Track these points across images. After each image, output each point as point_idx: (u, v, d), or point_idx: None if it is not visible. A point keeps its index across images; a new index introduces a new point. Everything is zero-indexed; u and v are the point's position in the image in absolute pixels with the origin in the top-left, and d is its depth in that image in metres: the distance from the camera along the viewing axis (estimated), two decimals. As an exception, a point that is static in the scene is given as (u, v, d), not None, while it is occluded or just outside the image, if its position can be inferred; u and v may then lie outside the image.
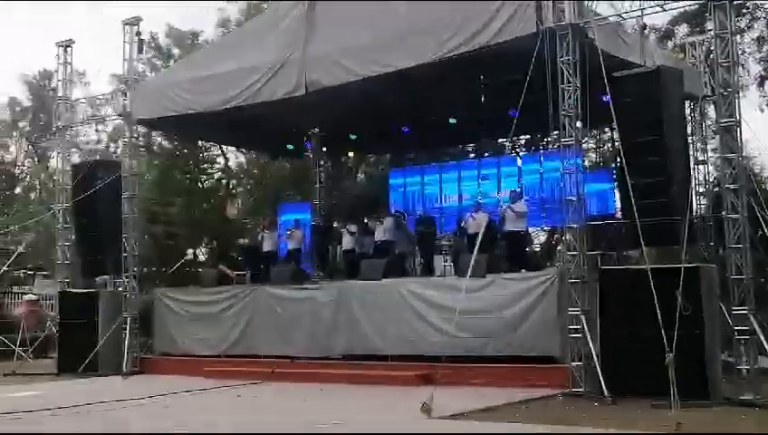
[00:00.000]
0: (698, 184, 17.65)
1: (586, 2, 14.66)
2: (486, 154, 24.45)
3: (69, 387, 17.84)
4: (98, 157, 32.74)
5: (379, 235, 19.81)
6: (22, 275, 34.93)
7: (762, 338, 13.07)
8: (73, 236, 21.39)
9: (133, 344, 19.96)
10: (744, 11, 23.62)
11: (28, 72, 45.15)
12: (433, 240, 19.80)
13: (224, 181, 32.17)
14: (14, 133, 46.16)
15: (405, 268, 19.71)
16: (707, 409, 12.15)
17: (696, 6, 17.52)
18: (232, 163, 33.03)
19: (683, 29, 25.15)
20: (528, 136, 24.80)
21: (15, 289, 32.13)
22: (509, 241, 17.66)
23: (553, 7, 14.56)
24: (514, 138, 23.26)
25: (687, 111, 17.04)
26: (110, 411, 13.39)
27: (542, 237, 26.49)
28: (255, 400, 14.79)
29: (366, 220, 20.70)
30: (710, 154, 18.37)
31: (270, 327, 18.71)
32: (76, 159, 27.26)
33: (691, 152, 16.92)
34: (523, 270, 16.67)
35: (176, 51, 31.14)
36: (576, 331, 14.14)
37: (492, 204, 20.12)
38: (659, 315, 12.15)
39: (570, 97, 14.44)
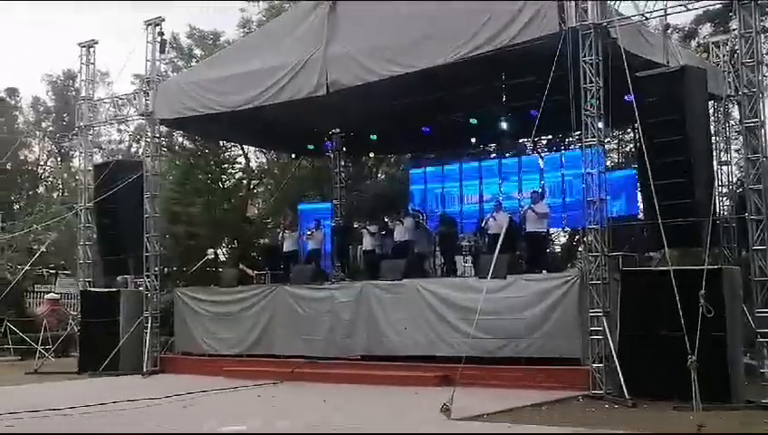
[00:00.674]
0: (721, 185, 17.49)
1: (609, 1, 14.56)
2: (508, 154, 24.33)
3: (88, 385, 17.92)
4: (120, 157, 33.03)
5: (399, 235, 19.80)
6: (44, 274, 35.18)
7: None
8: (95, 236, 21.48)
9: (154, 344, 20.05)
10: (769, 10, 23.37)
11: (52, 73, 45.57)
12: (455, 240, 19.77)
13: (244, 181, 32.20)
14: (38, 133, 46.52)
15: (425, 268, 19.68)
16: (729, 412, 12.03)
17: (720, 6, 17.35)
18: (253, 163, 33.11)
19: (706, 28, 24.95)
20: (550, 136, 24.66)
21: (38, 288, 32.36)
22: (530, 242, 17.60)
23: (576, 7, 14.49)
24: (536, 138, 23.14)
25: (711, 111, 16.88)
26: (127, 411, 13.43)
27: (563, 238, 26.34)
28: (274, 400, 14.78)
29: (386, 220, 20.67)
30: (734, 155, 18.21)
31: (290, 327, 18.73)
32: (98, 158, 27.50)
33: (714, 153, 16.78)
34: (544, 271, 16.60)
35: (197, 51, 31.21)
36: (597, 332, 14.08)
37: (513, 204, 20.05)
38: (681, 317, 12.05)
39: (592, 97, 14.36)
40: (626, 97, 13.91)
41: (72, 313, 25.25)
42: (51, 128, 46.01)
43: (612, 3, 14.58)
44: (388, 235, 20.22)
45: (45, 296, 29.79)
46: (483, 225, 18.69)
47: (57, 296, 29.06)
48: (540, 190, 19.19)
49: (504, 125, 21.43)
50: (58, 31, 63.28)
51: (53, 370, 20.30)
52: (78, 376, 19.70)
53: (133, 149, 37.21)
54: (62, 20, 62.54)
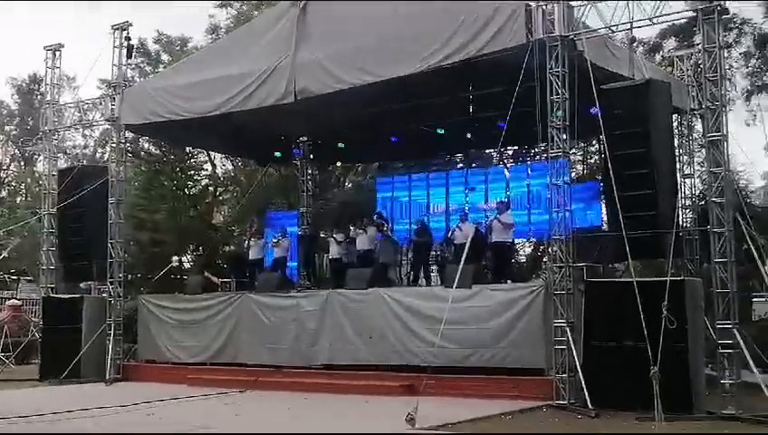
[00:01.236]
0: (684, 197, 17.69)
1: (576, 14, 14.68)
2: (474, 165, 24.44)
3: (51, 393, 17.70)
4: (85, 162, 32.71)
5: (362, 244, 19.79)
6: (6, 279, 34.75)
7: (745, 352, 13.06)
8: (58, 241, 21.24)
9: (117, 351, 19.81)
10: (732, 26, 23.68)
11: (17, 76, 45.11)
12: (429, 250, 19.76)
13: (211, 188, 32.06)
14: (1, 137, 46.00)
15: (390, 277, 19.67)
16: (691, 422, 12.14)
17: (685, 20, 17.57)
18: (219, 170, 32.97)
19: (671, 42, 25.23)
20: (516, 147, 24.81)
21: (-1, 294, 31.96)
22: (495, 252, 17.65)
23: (543, 19, 14.60)
24: (502, 149, 23.25)
25: (675, 125, 17.08)
26: (94, 418, 13.28)
27: (528, 249, 26.49)
28: (238, 408, 14.68)
29: (350, 229, 20.64)
30: (697, 168, 18.42)
31: (255, 335, 18.63)
32: (63, 163, 27.14)
33: (678, 165, 16.97)
34: (509, 281, 16.68)
35: (165, 57, 31.06)
36: (561, 343, 14.14)
37: (479, 215, 20.11)
38: (644, 328, 12.16)
39: (558, 108, 14.47)
40: (591, 109, 14.03)
41: (33, 319, 24.99)
42: (14, 132, 45.50)
43: (579, 15, 14.70)
44: (353, 243, 20.20)
45: (6, 302, 29.39)
46: (449, 235, 18.72)
47: (19, 302, 28.69)
48: (505, 201, 19.25)
49: (470, 136, 21.49)
50: (24, 33, 62.67)
51: (14, 377, 20.03)
52: (39, 383, 19.45)
53: (98, 155, 36.89)
54: (29, 23, 61.99)
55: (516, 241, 21.21)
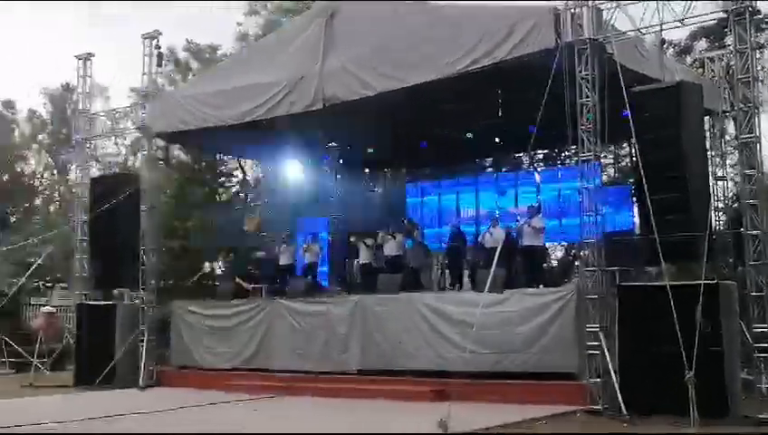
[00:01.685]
0: (717, 200, 17.52)
1: (604, 16, 14.60)
2: (504, 169, 24.39)
3: (86, 399, 17.86)
4: (117, 170, 32.99)
5: (391, 250, 19.80)
6: (40, 287, 35.10)
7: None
8: (91, 249, 21.43)
9: (150, 357, 19.97)
10: (764, 26, 23.50)
11: (49, 86, 45.63)
12: (463, 255, 19.72)
13: (241, 195, 32.23)
14: (34, 146, 46.53)
15: (420, 282, 19.66)
16: (727, 427, 12.01)
17: (716, 21, 17.42)
18: (249, 176, 33.11)
19: (702, 44, 25.08)
20: (546, 151, 24.72)
21: (33, 301, 32.27)
22: (527, 256, 17.59)
23: (572, 22, 14.54)
24: (532, 153, 23.18)
25: (706, 127, 16.93)
26: (129, 423, 13.40)
27: (560, 253, 26.35)
28: (270, 414, 14.73)
29: (379, 235, 20.65)
30: (729, 170, 18.25)
31: (285, 341, 18.68)
32: (95, 172, 27.46)
33: (710, 168, 16.81)
34: (541, 286, 16.59)
35: (194, 65, 31.31)
36: (594, 347, 14.04)
37: (509, 219, 20.06)
38: (678, 332, 12.05)
39: (588, 112, 14.39)
40: (622, 112, 13.94)
41: (67, 326, 25.18)
42: (47, 141, 46.00)
43: (608, 18, 14.63)
44: (381, 249, 20.22)
45: (41, 309, 29.67)
46: (479, 239, 18.69)
47: (53, 310, 28.96)
48: (536, 205, 19.18)
49: (499, 140, 21.43)
50: (57, 44, 63.45)
51: (49, 383, 20.21)
52: (74, 390, 19.62)
53: (130, 163, 37.19)
54: (61, 33, 62.75)
55: (547, 245, 21.12)
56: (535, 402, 14.19)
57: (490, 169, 24.98)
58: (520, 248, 17.64)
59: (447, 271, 20.44)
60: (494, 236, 17.27)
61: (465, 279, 19.37)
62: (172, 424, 13.49)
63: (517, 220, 18.53)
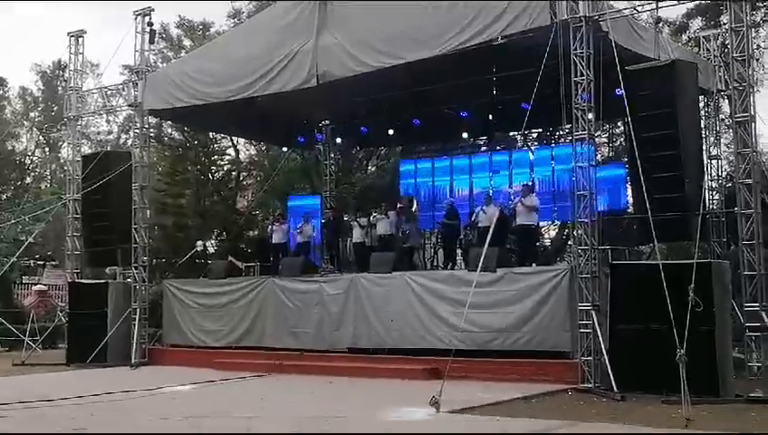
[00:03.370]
0: (711, 179, 17.52)
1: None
2: (498, 147, 24.30)
3: (79, 377, 17.86)
4: (108, 147, 32.86)
5: (383, 228, 19.77)
6: (32, 265, 35.02)
7: (773, 335, 12.96)
8: (83, 227, 21.38)
9: (142, 335, 19.98)
10: (760, 4, 23.41)
11: (41, 63, 45.32)
12: (457, 233, 19.70)
13: (234, 173, 32.13)
14: (26, 123, 46.27)
15: (413, 261, 19.63)
16: (718, 405, 12.05)
17: (711, 0, 17.36)
18: (242, 155, 33.02)
19: (697, 23, 24.97)
20: (540, 129, 24.65)
21: (26, 279, 32.23)
22: (520, 235, 17.58)
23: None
24: (526, 131, 23.11)
25: (701, 106, 16.89)
26: (121, 402, 13.40)
27: (553, 232, 26.36)
28: (262, 392, 14.73)
29: (372, 214, 20.61)
30: (724, 149, 18.24)
31: (279, 319, 18.69)
32: (87, 149, 27.33)
33: (704, 147, 16.79)
34: (534, 264, 16.59)
35: (187, 42, 31.08)
36: (586, 326, 14.07)
37: (503, 198, 20.02)
38: (670, 311, 12.05)
39: (583, 90, 14.34)
40: (616, 91, 13.89)
41: (59, 304, 25.17)
42: (39, 118, 45.75)
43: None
44: (374, 228, 20.19)
45: (33, 287, 29.68)
46: (473, 218, 18.65)
47: (45, 287, 28.95)
48: (530, 184, 19.15)
49: (494, 118, 21.35)
50: (49, 21, 62.97)
51: (41, 361, 20.21)
52: (66, 367, 19.64)
53: (122, 140, 37.04)
54: (53, 10, 62.26)
55: (541, 224, 21.11)
56: (527, 381, 14.27)
57: (484, 148, 24.87)
58: (513, 227, 17.61)
59: (441, 250, 20.40)
60: (488, 215, 17.21)
61: (459, 258, 19.37)
62: (166, 404, 13.51)
63: (511, 199, 18.48)
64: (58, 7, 63.24)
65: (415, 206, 20.90)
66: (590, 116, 14.49)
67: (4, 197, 41.59)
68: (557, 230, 25.95)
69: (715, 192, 17.74)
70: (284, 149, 26.67)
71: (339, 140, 25.39)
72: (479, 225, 17.87)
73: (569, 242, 23.18)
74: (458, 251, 19.62)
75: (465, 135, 23.58)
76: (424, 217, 21.80)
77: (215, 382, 15.91)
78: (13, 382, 16.80)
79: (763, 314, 12.95)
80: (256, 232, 28.97)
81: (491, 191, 20.37)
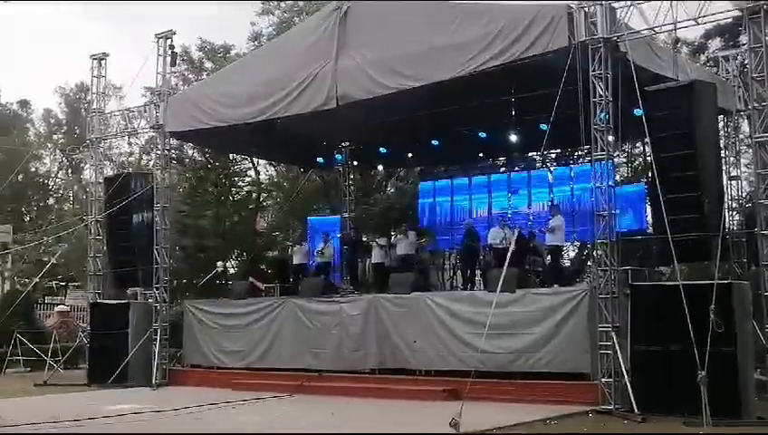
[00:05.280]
0: (731, 199, 17.45)
1: (618, 15, 14.56)
2: (517, 168, 24.33)
3: (100, 397, 17.91)
4: (130, 169, 33.11)
5: (403, 249, 19.81)
6: (54, 285, 35.30)
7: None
8: (105, 248, 21.54)
9: (163, 356, 20.05)
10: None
11: (65, 85, 45.82)
12: (477, 254, 19.72)
13: (254, 194, 32.29)
14: (49, 145, 46.73)
15: (433, 282, 19.63)
16: (740, 428, 11.96)
17: (730, 20, 17.34)
18: (262, 176, 33.19)
19: (716, 43, 24.94)
20: (559, 150, 24.66)
21: (48, 300, 32.47)
22: (542, 255, 17.58)
23: (585, 21, 14.51)
24: (545, 152, 23.12)
25: (720, 126, 16.85)
26: (145, 422, 13.47)
27: (573, 252, 26.29)
28: (283, 413, 14.75)
29: (391, 234, 20.67)
30: (743, 169, 18.17)
31: (298, 340, 18.71)
32: (109, 171, 27.56)
33: (724, 167, 16.73)
34: (555, 285, 16.56)
35: (208, 64, 31.34)
36: (606, 347, 14.01)
37: (522, 219, 20.04)
38: (691, 332, 12.01)
39: (602, 111, 14.35)
40: (635, 111, 13.90)
41: (81, 324, 25.33)
42: (62, 140, 46.19)
43: (622, 17, 14.58)
44: (394, 248, 20.25)
45: (55, 308, 29.90)
46: (489, 239, 18.66)
47: (67, 308, 29.16)
48: (556, 204, 19.25)
49: (513, 139, 21.40)
50: (72, 44, 63.71)
51: (63, 382, 20.33)
52: (87, 388, 19.73)
53: (143, 162, 37.34)
54: (77, 33, 63.01)
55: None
56: (547, 402, 14.20)
57: (503, 169, 24.91)
58: (538, 247, 17.65)
59: (460, 272, 20.41)
60: (507, 236, 17.22)
61: (478, 279, 19.37)
62: (185, 423, 13.56)
63: (530, 220, 18.50)
64: (82, 28, 63.93)
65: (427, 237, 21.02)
66: (610, 137, 14.49)
67: (28, 218, 41.99)
68: (577, 251, 25.90)
69: (735, 212, 17.66)
70: (303, 169, 26.78)
71: (358, 162, 25.48)
72: (499, 246, 17.84)
73: (588, 262, 23.11)
74: (477, 272, 19.61)
75: (483, 156, 23.63)
76: (442, 239, 21.80)
77: (235, 403, 15.88)
78: (36, 403, 16.90)
79: (785, 336, 12.86)
80: (276, 253, 29.06)
81: (509, 212, 20.39)
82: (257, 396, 16.63)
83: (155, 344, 19.94)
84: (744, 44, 15.86)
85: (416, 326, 16.92)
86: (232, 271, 29.99)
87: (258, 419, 14.17)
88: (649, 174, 14.26)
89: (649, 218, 17.50)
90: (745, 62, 15.39)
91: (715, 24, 19.82)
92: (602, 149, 14.51)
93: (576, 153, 24.10)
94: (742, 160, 18.24)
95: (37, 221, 38.17)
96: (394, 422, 13.15)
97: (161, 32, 20.57)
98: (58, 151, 46.54)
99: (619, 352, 13.81)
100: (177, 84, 25.07)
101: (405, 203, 27.12)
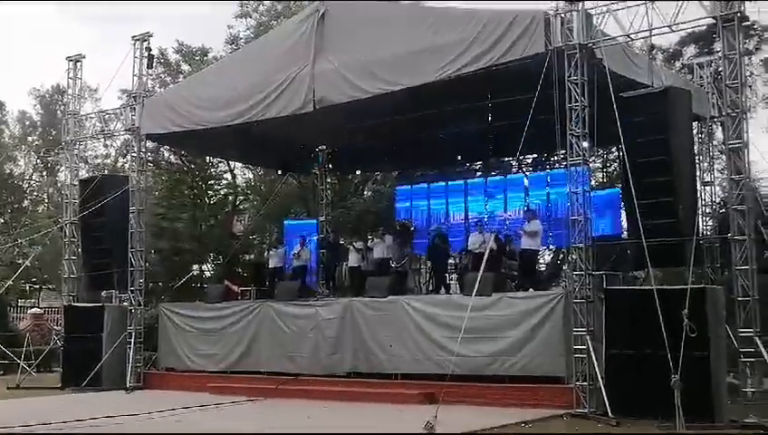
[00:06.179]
0: (705, 205, 17.60)
1: (594, 22, 14.67)
2: (493, 173, 24.42)
3: (74, 401, 17.81)
4: (106, 171, 32.90)
5: (380, 252, 19.84)
6: (28, 288, 34.99)
7: (767, 360, 12.96)
8: (80, 250, 21.39)
9: (137, 359, 19.93)
10: (752, 33, 23.60)
11: (40, 87, 45.45)
12: (446, 257, 19.78)
13: (230, 197, 32.21)
14: (23, 147, 46.34)
15: (409, 286, 19.66)
16: (713, 431, 12.06)
17: (705, 27, 17.49)
18: (239, 179, 33.12)
19: (691, 50, 25.18)
20: (535, 155, 24.79)
21: (21, 302, 32.18)
22: (523, 259, 17.66)
23: (561, 27, 14.61)
24: (521, 157, 23.23)
25: (695, 132, 17.01)
26: (122, 425, 13.40)
27: (548, 257, 26.42)
28: (258, 416, 14.72)
29: (368, 238, 20.69)
30: (717, 175, 18.33)
31: (275, 343, 18.68)
32: (84, 173, 27.36)
33: (698, 173, 16.88)
34: (530, 289, 16.63)
35: (185, 67, 31.23)
36: (581, 351, 14.09)
37: (498, 223, 20.12)
38: (665, 337, 12.11)
39: (577, 116, 14.45)
40: (611, 117, 13.99)
41: (55, 327, 25.14)
42: (37, 142, 45.82)
43: (597, 23, 14.69)
44: (371, 251, 20.26)
45: (29, 311, 29.64)
46: (469, 244, 18.72)
47: (40, 311, 28.92)
48: (533, 208, 19.34)
49: (489, 144, 21.48)
50: (48, 45, 63.27)
51: (36, 385, 20.17)
52: (61, 391, 19.59)
53: (119, 164, 37.11)
54: (52, 34, 62.55)
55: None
56: (523, 406, 14.27)
57: (479, 173, 24.99)
58: (515, 251, 17.72)
59: (432, 274, 20.46)
60: (483, 240, 17.28)
61: (449, 282, 19.41)
62: (159, 427, 13.50)
63: (506, 225, 18.58)
64: (58, 30, 63.52)
65: (412, 228, 20.98)
66: (585, 142, 14.59)
67: (1, 220, 41.59)
68: (552, 255, 26.02)
69: (708, 218, 17.81)
70: (280, 173, 26.76)
71: (335, 165, 25.47)
72: (474, 251, 17.91)
73: (564, 267, 23.22)
74: (447, 276, 19.65)
75: (460, 160, 23.70)
76: (419, 242, 21.84)
77: (211, 406, 15.84)
78: (8, 406, 16.76)
79: (757, 340, 12.97)
80: (253, 256, 29.00)
81: (486, 216, 20.46)
82: (233, 400, 16.58)
83: (129, 348, 19.81)
84: (718, 51, 16.00)
85: (392, 330, 16.95)
86: (208, 274, 29.89)
87: (232, 424, 14.13)
88: (624, 179, 14.32)
89: (624, 223, 17.62)
90: (719, 69, 15.52)
91: (689, 31, 20.03)
92: (578, 155, 14.61)
93: (552, 158, 24.24)
94: (715, 166, 18.40)
95: (11, 223, 37.76)
96: (370, 426, 13.15)
97: (138, 34, 20.47)
98: (33, 153, 46.13)
99: (593, 355, 13.89)
100: (153, 87, 24.99)
101: (382, 207, 27.14)
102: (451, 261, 20.12)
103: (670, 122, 13.76)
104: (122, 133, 22.33)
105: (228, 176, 32.42)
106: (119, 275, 20.41)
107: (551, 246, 23.29)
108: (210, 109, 19.29)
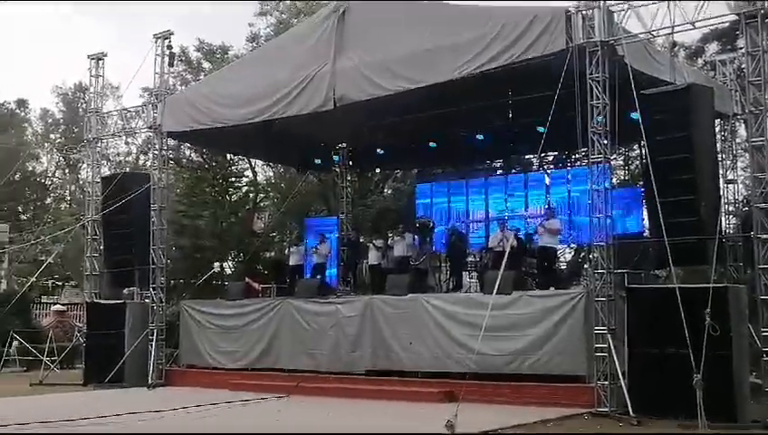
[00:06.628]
0: (728, 203, 17.47)
1: (615, 19, 14.59)
2: (514, 170, 24.37)
3: (96, 397, 17.92)
4: (128, 169, 33.10)
5: (399, 250, 19.83)
6: (51, 285, 35.26)
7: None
8: (102, 248, 21.53)
9: (159, 356, 20.06)
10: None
11: (62, 85, 45.79)
12: (464, 255, 19.75)
13: (251, 195, 32.30)
14: (46, 144, 46.71)
15: (429, 284, 19.65)
16: (735, 431, 11.98)
17: (727, 24, 17.36)
18: (260, 177, 33.22)
19: (713, 47, 25.00)
20: (556, 152, 24.71)
21: (44, 299, 32.42)
22: (541, 257, 17.60)
23: (583, 24, 14.54)
24: (542, 154, 23.16)
25: (717, 130, 16.88)
26: (142, 422, 13.47)
27: (569, 255, 26.32)
28: (279, 414, 14.76)
29: (388, 235, 20.72)
30: (740, 173, 18.22)
31: (295, 341, 18.72)
32: (106, 170, 27.52)
33: (721, 171, 16.76)
34: (552, 287, 16.58)
35: (206, 65, 31.36)
36: (602, 350, 14.03)
37: (519, 221, 20.07)
38: (687, 336, 12.04)
39: (599, 114, 14.38)
40: (632, 114, 13.93)
41: (77, 324, 25.31)
42: (59, 140, 46.17)
43: (619, 20, 14.61)
44: (392, 249, 20.28)
45: (51, 308, 29.85)
46: (489, 242, 18.69)
47: (63, 308, 29.12)
48: (553, 207, 19.27)
49: (510, 141, 21.43)
50: (71, 43, 63.71)
51: (59, 381, 20.34)
52: (83, 388, 19.73)
53: (141, 162, 37.33)
54: (75, 33, 62.97)
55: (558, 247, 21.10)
56: (543, 404, 14.21)
57: (500, 171, 24.94)
58: (530, 250, 17.64)
59: (449, 272, 20.47)
60: (506, 238, 17.25)
61: (466, 280, 19.38)
62: (181, 424, 13.56)
63: (527, 222, 18.53)
64: (80, 28, 63.94)
65: (431, 225, 20.98)
66: (606, 140, 14.52)
67: (25, 217, 41.95)
68: (573, 253, 25.92)
69: (731, 216, 17.68)
70: (300, 170, 26.80)
71: (355, 163, 25.50)
72: (495, 249, 17.88)
73: (585, 265, 23.13)
74: (465, 274, 19.62)
75: (480, 158, 23.67)
76: (438, 240, 21.83)
77: (232, 404, 15.87)
78: (32, 402, 16.89)
79: (781, 339, 12.88)
80: (273, 253, 29.08)
81: (506, 214, 20.42)
82: (254, 397, 16.62)
83: (151, 344, 19.94)
84: (741, 48, 15.87)
85: (412, 328, 16.94)
86: (229, 271, 30.00)
87: (255, 418, 14.18)
88: (646, 177, 14.23)
89: (646, 221, 17.54)
90: (742, 66, 15.41)
91: (712, 28, 19.86)
92: (599, 152, 14.54)
93: (573, 156, 24.15)
94: (738, 164, 18.27)
95: (34, 220, 38.11)
96: (390, 425, 13.16)
97: (159, 32, 20.56)
98: (55, 151, 46.48)
99: (615, 354, 13.82)
100: (174, 85, 25.07)
101: (402, 205, 27.14)
102: (471, 259, 20.08)
103: (693, 120, 13.66)
104: (144, 131, 22.43)
105: (249, 173, 32.52)
106: (140, 273, 20.55)
107: (571, 244, 23.20)
108: (231, 106, 19.34)
